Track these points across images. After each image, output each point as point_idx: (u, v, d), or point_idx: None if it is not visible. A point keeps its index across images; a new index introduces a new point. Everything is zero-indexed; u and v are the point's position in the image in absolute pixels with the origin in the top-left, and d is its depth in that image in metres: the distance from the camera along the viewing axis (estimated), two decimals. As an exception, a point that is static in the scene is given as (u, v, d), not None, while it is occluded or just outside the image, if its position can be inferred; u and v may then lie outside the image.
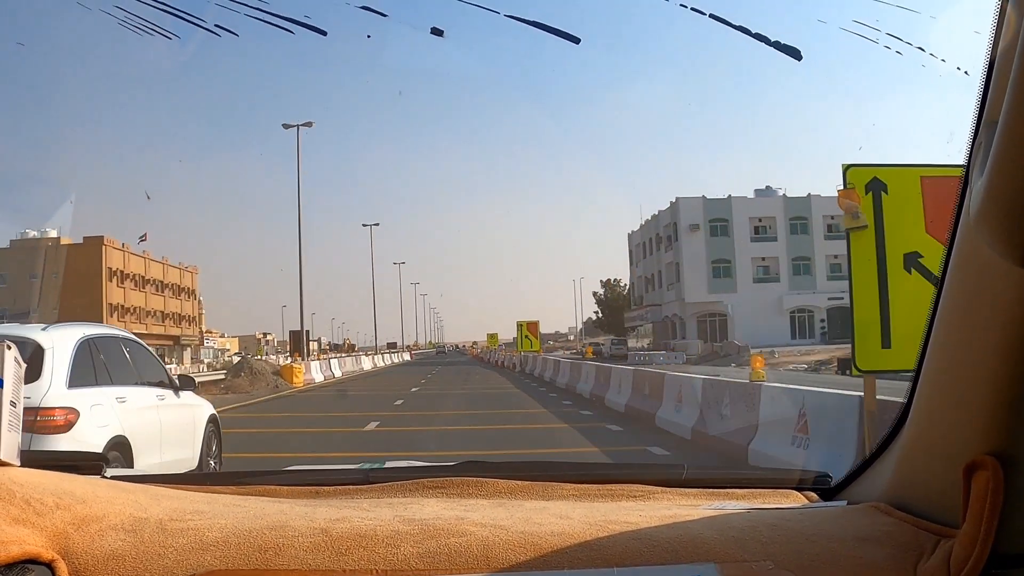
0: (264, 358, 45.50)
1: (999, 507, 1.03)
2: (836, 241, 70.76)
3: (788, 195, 69.37)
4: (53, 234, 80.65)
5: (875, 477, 1.44)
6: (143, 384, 7.72)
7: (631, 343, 72.57)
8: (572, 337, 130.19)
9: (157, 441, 7.50)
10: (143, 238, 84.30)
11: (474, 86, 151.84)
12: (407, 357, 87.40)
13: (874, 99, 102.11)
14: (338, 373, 40.08)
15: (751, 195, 69.88)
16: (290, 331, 46.63)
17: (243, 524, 1.25)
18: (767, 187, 71.15)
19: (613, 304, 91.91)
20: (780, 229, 68.61)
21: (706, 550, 1.19)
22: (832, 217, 70.20)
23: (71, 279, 71.83)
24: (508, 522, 1.27)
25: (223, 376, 30.69)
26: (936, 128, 75.05)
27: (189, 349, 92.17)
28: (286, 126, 45.94)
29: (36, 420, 6.12)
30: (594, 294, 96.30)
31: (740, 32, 1.87)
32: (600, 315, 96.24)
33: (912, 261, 5.26)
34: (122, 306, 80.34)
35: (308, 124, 46.40)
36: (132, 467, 6.56)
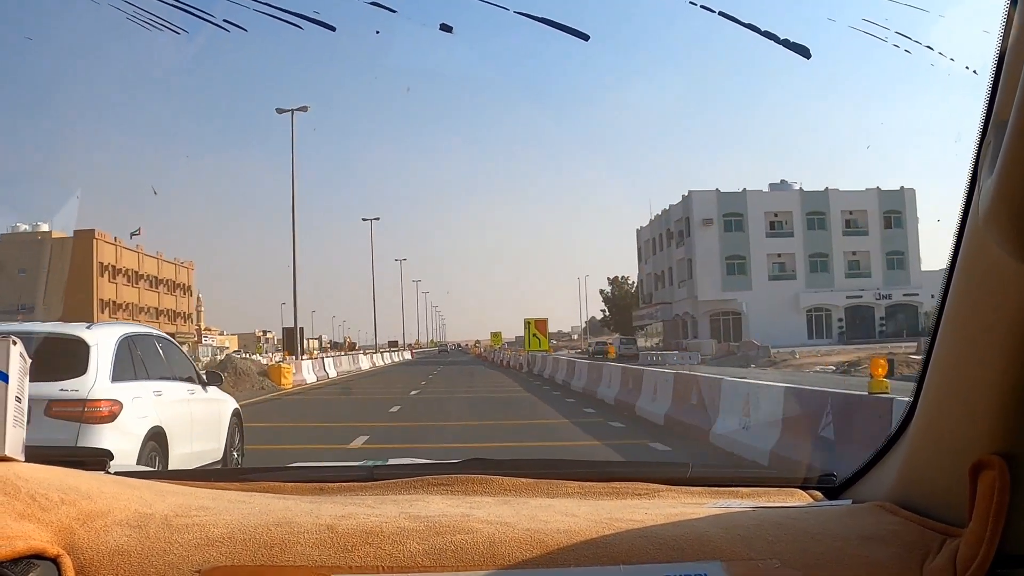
0: (251, 357, 42.94)
1: (1005, 507, 1.03)
2: (855, 237, 68.63)
3: (805, 189, 66.70)
4: (45, 228, 78.65)
5: (880, 476, 1.44)
6: (175, 379, 8.09)
7: (639, 343, 69.83)
8: (575, 336, 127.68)
9: (188, 432, 7.85)
10: (137, 232, 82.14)
11: (479, 84, 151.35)
12: (408, 356, 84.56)
13: (882, 97, 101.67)
14: (333, 373, 37.33)
15: (765, 189, 67.21)
16: (284, 328, 43.92)
17: (248, 520, 1.25)
18: (782, 181, 68.49)
19: (621, 302, 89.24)
20: (797, 224, 65.94)
21: (712, 548, 1.19)
22: (850, 212, 67.89)
23: (60, 274, 69.54)
24: (514, 519, 1.27)
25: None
26: (944, 127, 78.21)
27: (186, 347, 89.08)
28: (280, 111, 43.30)
29: (84, 411, 6.57)
30: (601, 292, 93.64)
31: (749, 30, 1.90)
32: (607, 313, 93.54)
33: None
34: (114, 302, 77.76)
35: (303, 108, 43.70)
36: (167, 456, 7.21)
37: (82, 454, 1.86)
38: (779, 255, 65.85)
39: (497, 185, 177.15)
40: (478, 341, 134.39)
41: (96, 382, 6.79)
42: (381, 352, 68.87)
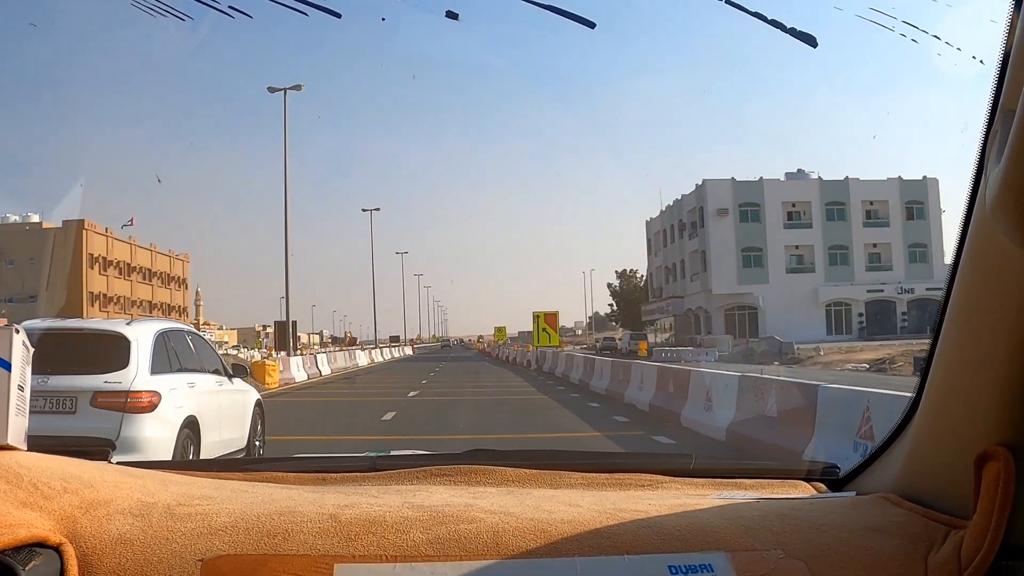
0: (247, 352, 40.09)
1: (1010, 498, 1.03)
2: (875, 229, 65.70)
3: (824, 178, 63.78)
4: (36, 219, 76.14)
5: (884, 468, 1.44)
6: (204, 371, 8.47)
7: (650, 338, 66.96)
8: (579, 332, 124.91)
9: (218, 421, 8.25)
10: (129, 223, 79.42)
11: (485, 73, 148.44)
12: (409, 351, 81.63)
13: (889, 87, 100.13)
14: (326, 370, 34.43)
15: (781, 179, 64.31)
16: (275, 322, 41.05)
17: (251, 509, 1.25)
18: (799, 170, 65.61)
19: (629, 296, 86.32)
20: (815, 215, 63.05)
21: (716, 539, 1.19)
22: (871, 203, 64.99)
23: (51, 265, 66.94)
24: (518, 509, 1.27)
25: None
26: (951, 116, 75.45)
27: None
28: (272, 89, 40.47)
29: (127, 402, 7.01)
30: (608, 285, 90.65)
31: (756, 18, 1.91)
32: (615, 308, 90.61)
33: None
34: (104, 295, 75.08)
35: (296, 87, 40.91)
36: (199, 443, 7.66)
37: (85, 443, 1.74)
38: (797, 247, 62.97)
39: (501, 178, 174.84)
40: (481, 336, 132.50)
41: (137, 375, 7.16)
42: (381, 348, 65.86)
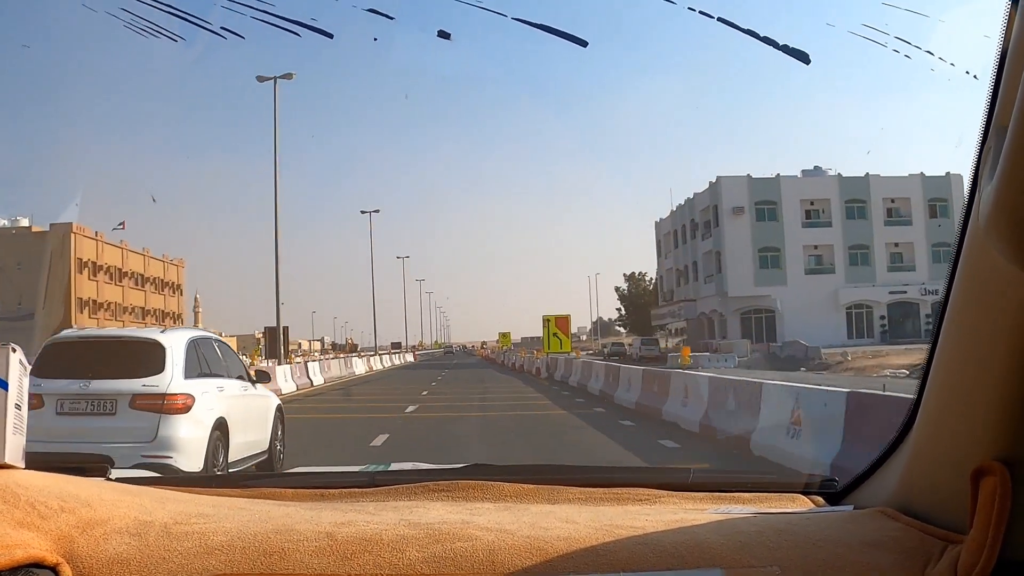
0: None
1: (1007, 513, 1.03)
2: (898, 227, 62.48)
3: (844, 175, 60.87)
4: (25, 223, 73.41)
5: (882, 481, 1.44)
6: (231, 377, 8.81)
7: (660, 343, 64.00)
8: (584, 337, 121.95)
9: (244, 424, 8.59)
10: (120, 227, 76.52)
11: (480, 83, 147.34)
12: (410, 358, 78.59)
13: (882, 102, 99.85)
14: (318, 380, 31.50)
15: (798, 175, 61.42)
16: (265, 328, 38.13)
17: (248, 528, 1.25)
18: (815, 167, 62.70)
19: (638, 300, 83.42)
20: (835, 213, 60.19)
21: (712, 555, 1.19)
22: (892, 200, 62.01)
23: (35, 270, 64.31)
24: (514, 526, 1.27)
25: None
26: (945, 132, 74.57)
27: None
28: (261, 79, 37.74)
29: (163, 404, 7.41)
30: (616, 289, 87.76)
31: (748, 35, 1.96)
32: (623, 312, 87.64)
33: None
34: (94, 301, 72.21)
35: (287, 76, 38.18)
36: (228, 443, 8.05)
37: (83, 460, 1.79)
38: (816, 247, 60.08)
39: (501, 183, 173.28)
40: (484, 343, 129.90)
41: (172, 379, 7.60)
42: (380, 354, 62.86)
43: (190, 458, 7.41)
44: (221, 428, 7.96)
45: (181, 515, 1.31)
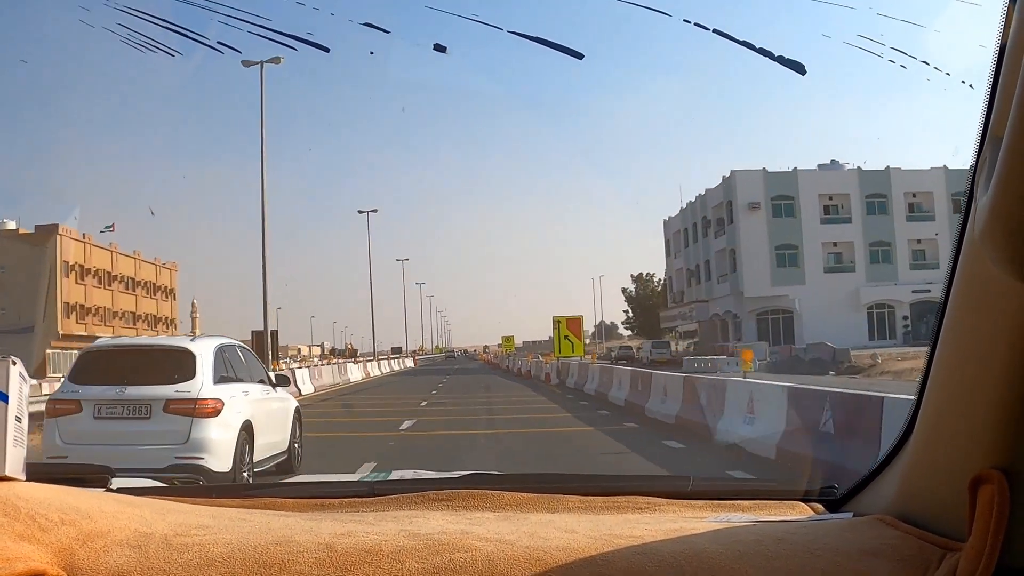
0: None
1: (1005, 521, 1.03)
2: (920, 223, 59.22)
3: (864, 168, 58.03)
4: (12, 225, 70.70)
5: (881, 489, 1.44)
6: (254, 381, 9.23)
7: (671, 346, 61.13)
8: (587, 340, 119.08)
9: (267, 426, 9.00)
10: (110, 228, 73.71)
11: (478, 94, 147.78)
12: (410, 364, 75.69)
13: (878, 112, 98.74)
14: (307, 388, 28.62)
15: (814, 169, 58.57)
16: (252, 332, 35.24)
17: (248, 539, 1.25)
18: (832, 161, 59.87)
19: (645, 302, 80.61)
20: (855, 208, 57.31)
21: (711, 565, 1.19)
22: (914, 195, 59.15)
23: (19, 274, 61.60)
24: (513, 537, 1.27)
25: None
26: (941, 141, 74.68)
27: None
28: (247, 63, 34.94)
29: (195, 408, 7.80)
30: (623, 290, 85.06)
31: (744, 47, 1.96)
32: (630, 314, 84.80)
33: None
34: (81, 306, 69.35)
35: (275, 60, 35.37)
36: (253, 444, 8.45)
37: (83, 470, 1.77)
38: (835, 244, 57.25)
39: (501, 187, 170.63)
40: (486, 347, 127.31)
41: (203, 385, 7.99)
42: (379, 360, 59.93)
43: (220, 459, 7.79)
44: (247, 430, 8.33)
45: (181, 527, 1.30)
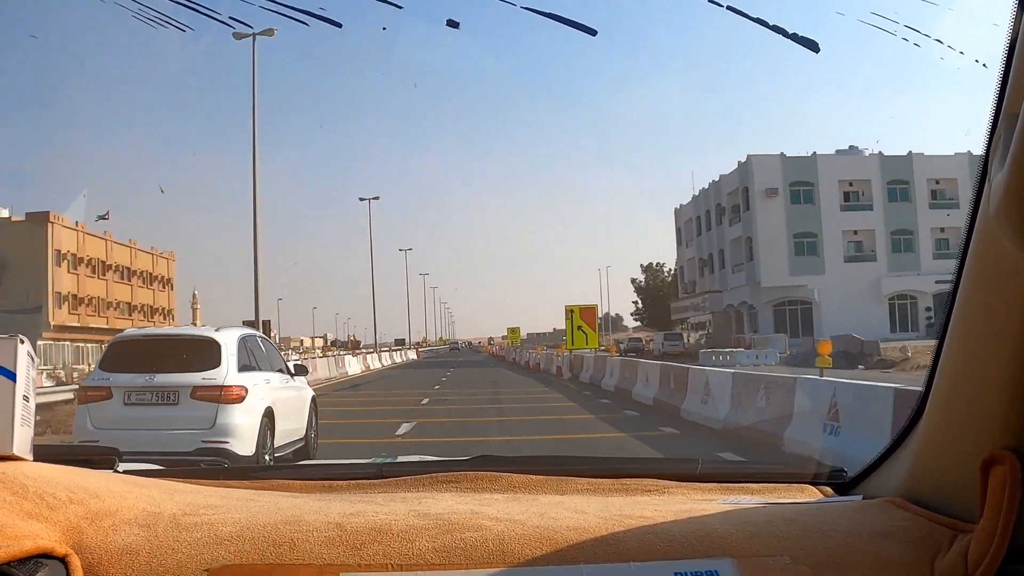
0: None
1: (1017, 502, 1.03)
2: (944, 210, 55.36)
3: (885, 153, 55.58)
4: (4, 214, 68.58)
5: (891, 471, 1.44)
6: (274, 370, 9.65)
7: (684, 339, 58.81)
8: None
9: (287, 413, 9.36)
10: (104, 216, 71.52)
11: (486, 77, 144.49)
12: (413, 356, 73.47)
13: (891, 92, 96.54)
14: (300, 383, 26.48)
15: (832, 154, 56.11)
16: (243, 322, 32.99)
17: (257, 518, 1.25)
18: (850, 147, 57.39)
19: (655, 293, 78.18)
20: (876, 195, 54.86)
21: (722, 545, 1.19)
22: (937, 181, 56.66)
23: (9, 263, 59.58)
24: (523, 516, 1.28)
25: (69, 396, 16.83)
26: (954, 121, 72.36)
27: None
28: (238, 36, 32.62)
29: (221, 394, 8.17)
30: (633, 281, 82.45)
31: (758, 24, 1.97)
32: (639, 305, 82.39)
33: None
34: (74, 295, 67.21)
35: (268, 32, 33.11)
36: (275, 430, 8.85)
37: (90, 452, 1.74)
38: (855, 232, 54.84)
39: (506, 177, 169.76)
40: (491, 339, 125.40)
41: (228, 373, 8.38)
42: (380, 352, 57.67)
43: (244, 443, 8.19)
44: (269, 416, 8.75)
45: (190, 506, 1.30)
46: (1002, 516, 1.01)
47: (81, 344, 58.00)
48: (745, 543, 1.18)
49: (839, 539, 1.19)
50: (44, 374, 29.77)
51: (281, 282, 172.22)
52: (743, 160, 56.04)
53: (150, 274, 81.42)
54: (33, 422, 1.31)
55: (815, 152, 55.20)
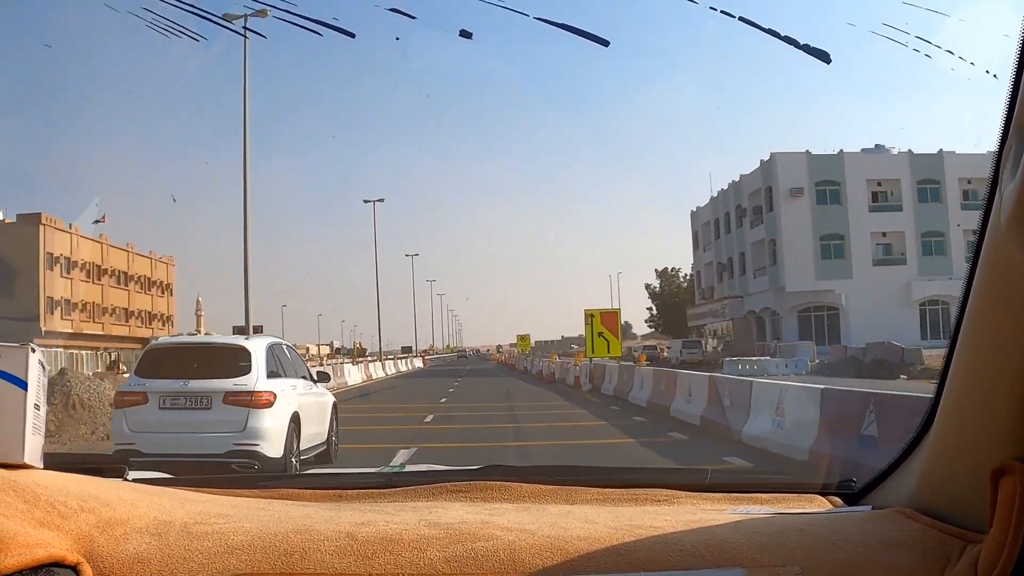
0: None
1: None
2: (977, 211, 52.95)
3: (915, 152, 52.79)
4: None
5: (900, 482, 1.44)
6: (298, 377, 10.00)
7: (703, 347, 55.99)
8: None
9: (311, 418, 9.74)
10: (100, 220, 69.10)
11: (495, 84, 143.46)
12: (419, 364, 70.79)
13: (902, 102, 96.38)
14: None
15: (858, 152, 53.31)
16: (233, 327, 30.43)
17: (268, 527, 1.26)
18: (876, 145, 54.63)
19: (671, 299, 75.47)
20: (905, 195, 52.07)
21: (733, 555, 1.19)
22: (969, 181, 53.70)
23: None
24: (534, 526, 1.28)
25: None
26: (965, 131, 72.05)
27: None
28: (229, 17, 29.90)
29: (251, 399, 8.62)
30: (647, 286, 79.84)
31: (770, 35, 1.93)
32: (654, 311, 79.65)
33: None
34: (67, 300, 64.77)
35: (261, 13, 30.39)
36: (300, 434, 9.25)
37: (100, 460, 1.75)
38: (884, 234, 52.07)
39: (513, 183, 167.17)
40: (500, 346, 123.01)
41: (258, 379, 8.83)
42: (384, 360, 54.97)
43: (273, 446, 8.61)
44: (295, 421, 9.11)
45: (201, 515, 1.31)
46: (1012, 526, 1.01)
47: (75, 351, 55.69)
48: (755, 553, 1.18)
49: (849, 549, 1.19)
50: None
51: (287, 289, 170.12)
52: (766, 159, 53.40)
53: (148, 279, 78.92)
54: (44, 431, 1.29)
55: (842, 150, 52.52)
